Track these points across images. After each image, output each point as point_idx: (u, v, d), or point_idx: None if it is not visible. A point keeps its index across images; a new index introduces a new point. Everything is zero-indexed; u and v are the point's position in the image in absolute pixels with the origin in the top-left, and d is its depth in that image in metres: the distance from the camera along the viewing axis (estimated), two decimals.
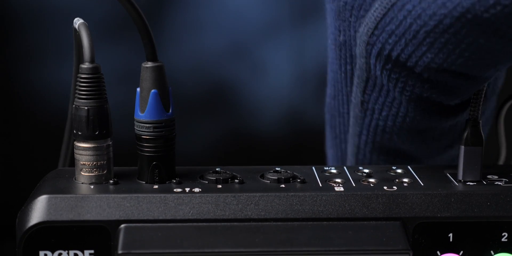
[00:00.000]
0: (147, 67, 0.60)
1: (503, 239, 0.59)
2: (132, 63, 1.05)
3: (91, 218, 0.57)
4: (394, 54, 0.62)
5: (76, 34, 0.60)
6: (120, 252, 0.55)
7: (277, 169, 0.63)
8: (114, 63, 1.08)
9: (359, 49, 0.65)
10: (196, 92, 1.13)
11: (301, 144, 1.17)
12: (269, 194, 0.59)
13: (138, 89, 0.61)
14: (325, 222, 0.58)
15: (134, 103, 0.61)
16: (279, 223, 0.58)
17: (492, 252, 0.59)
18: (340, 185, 0.61)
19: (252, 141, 1.16)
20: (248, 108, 1.15)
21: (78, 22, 0.60)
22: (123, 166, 0.64)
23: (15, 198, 1.08)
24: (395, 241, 0.57)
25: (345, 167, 0.65)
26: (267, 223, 0.57)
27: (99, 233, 0.57)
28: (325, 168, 0.65)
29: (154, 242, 0.56)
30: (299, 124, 1.17)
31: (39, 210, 0.57)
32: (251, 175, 0.62)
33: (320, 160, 0.89)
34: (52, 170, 0.64)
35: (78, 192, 0.58)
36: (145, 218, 0.57)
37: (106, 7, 1.07)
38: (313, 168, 0.65)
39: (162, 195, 0.58)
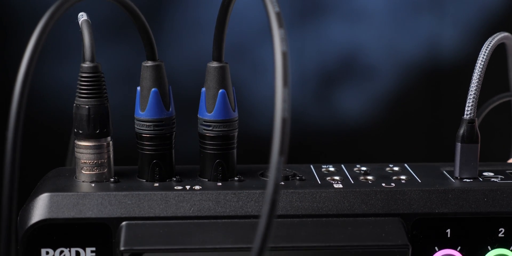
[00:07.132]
0: (147, 66, 0.60)
1: (499, 235, 0.59)
2: (132, 63, 1.06)
3: (93, 216, 0.57)
4: None
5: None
6: (122, 248, 0.56)
7: None
8: (114, 63, 1.09)
9: None
10: (195, 92, 1.13)
11: (301, 144, 1.18)
12: None
13: (138, 88, 0.61)
14: (324, 219, 0.58)
15: (133, 103, 0.61)
16: (279, 219, 0.58)
17: (489, 247, 0.59)
18: (339, 182, 0.61)
19: (252, 141, 1.16)
20: (248, 108, 1.15)
21: (81, 18, 0.60)
22: (123, 165, 0.64)
23: None
24: (394, 236, 0.57)
25: (342, 165, 0.65)
26: None
27: (100, 231, 0.57)
28: (323, 166, 0.65)
29: (156, 238, 0.56)
30: (299, 124, 1.17)
31: (40, 208, 0.57)
32: (250, 173, 0.63)
33: (320, 160, 0.90)
34: (53, 169, 0.64)
35: (80, 190, 0.59)
36: (146, 215, 0.58)
37: (106, 7, 1.07)
38: (311, 166, 0.65)
39: (163, 192, 0.59)
